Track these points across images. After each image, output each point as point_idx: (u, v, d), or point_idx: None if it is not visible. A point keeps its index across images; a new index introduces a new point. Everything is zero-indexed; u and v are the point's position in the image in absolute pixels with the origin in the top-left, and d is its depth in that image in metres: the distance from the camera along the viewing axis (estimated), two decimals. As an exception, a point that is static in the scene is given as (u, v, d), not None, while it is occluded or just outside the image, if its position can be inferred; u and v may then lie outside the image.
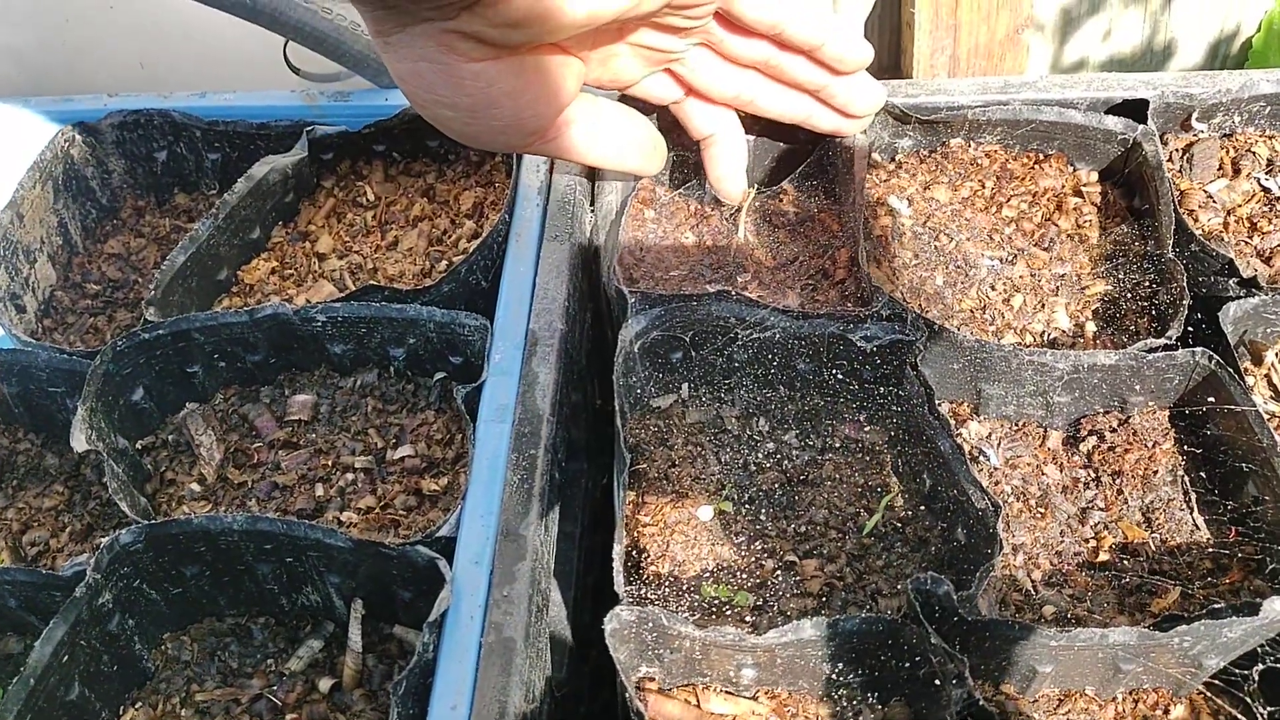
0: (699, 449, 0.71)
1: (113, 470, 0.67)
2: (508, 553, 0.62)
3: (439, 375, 0.77)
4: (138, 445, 0.76)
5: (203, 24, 0.89)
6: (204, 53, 0.93)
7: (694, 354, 0.72)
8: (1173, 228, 0.71)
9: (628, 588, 0.62)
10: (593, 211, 0.82)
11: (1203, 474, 0.67)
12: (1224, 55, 1.13)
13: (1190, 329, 0.68)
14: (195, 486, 0.74)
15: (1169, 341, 0.66)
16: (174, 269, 0.78)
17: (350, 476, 0.73)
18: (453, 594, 0.60)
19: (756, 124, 0.77)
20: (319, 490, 0.72)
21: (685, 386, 0.74)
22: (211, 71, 0.96)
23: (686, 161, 0.83)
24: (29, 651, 0.65)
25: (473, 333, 0.73)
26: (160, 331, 0.73)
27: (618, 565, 0.59)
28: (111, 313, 0.87)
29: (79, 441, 0.67)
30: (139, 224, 0.91)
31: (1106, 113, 0.80)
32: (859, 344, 0.69)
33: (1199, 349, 0.65)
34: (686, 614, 0.62)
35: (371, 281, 0.82)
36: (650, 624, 0.56)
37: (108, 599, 0.62)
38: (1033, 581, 0.63)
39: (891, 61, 1.12)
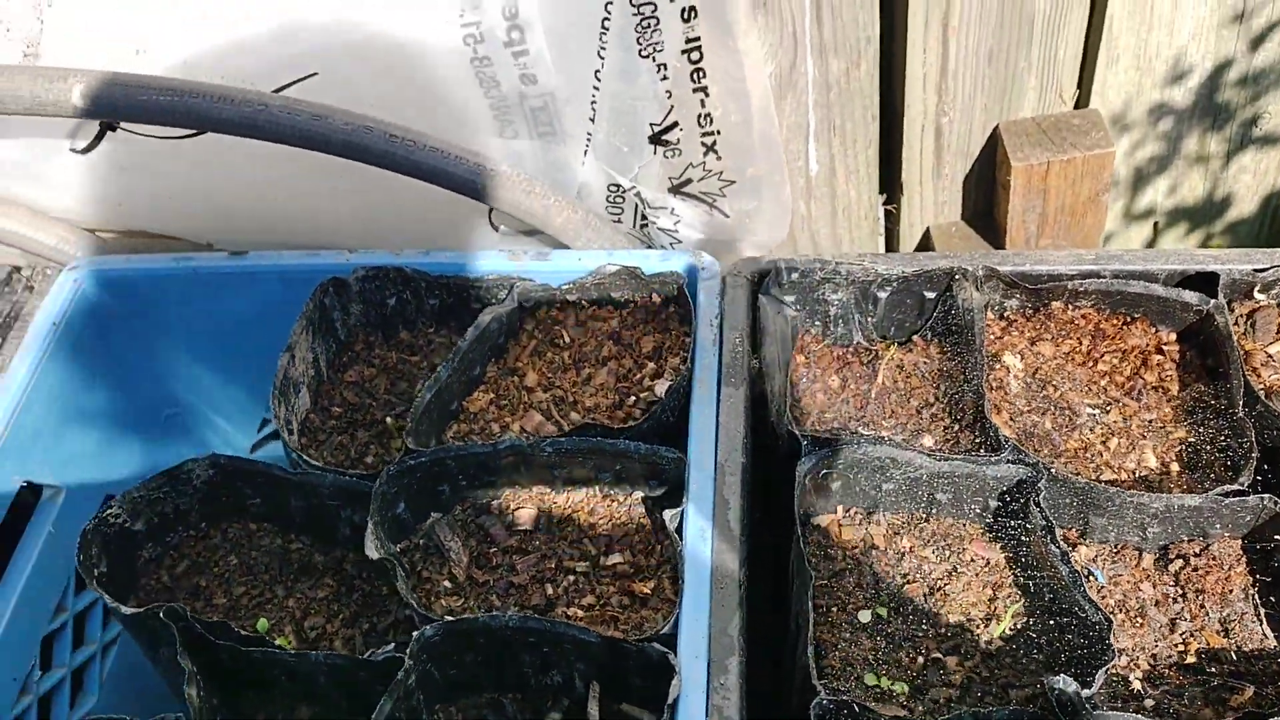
0: (854, 562, 0.89)
1: (401, 574, 0.85)
2: (720, 649, 0.79)
3: (638, 493, 0.95)
4: (398, 549, 0.94)
5: (421, 189, 1.08)
6: (420, 210, 1.12)
7: (851, 484, 0.90)
8: (1242, 390, 0.88)
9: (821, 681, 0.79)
10: (756, 359, 1.00)
11: (1272, 596, 0.83)
12: (1275, 208, 1.30)
13: (1259, 476, 0.85)
14: (447, 584, 0.92)
15: (1241, 487, 0.83)
16: (423, 405, 0.97)
17: (572, 578, 0.91)
18: (680, 683, 0.77)
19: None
20: (548, 590, 0.90)
21: (839, 509, 0.92)
22: (418, 229, 1.16)
23: (828, 314, 1.02)
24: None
25: (669, 463, 0.91)
26: (424, 459, 0.92)
27: (811, 663, 0.77)
28: (353, 432, 1.05)
29: (372, 550, 0.86)
30: (370, 356, 1.11)
31: (1182, 284, 0.97)
32: (990, 482, 0.87)
33: (1266, 495, 0.82)
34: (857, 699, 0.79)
35: (573, 413, 1.00)
36: (846, 711, 0.74)
37: (412, 680, 0.80)
38: (1135, 680, 0.80)
39: (986, 208, 1.30)
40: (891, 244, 1.33)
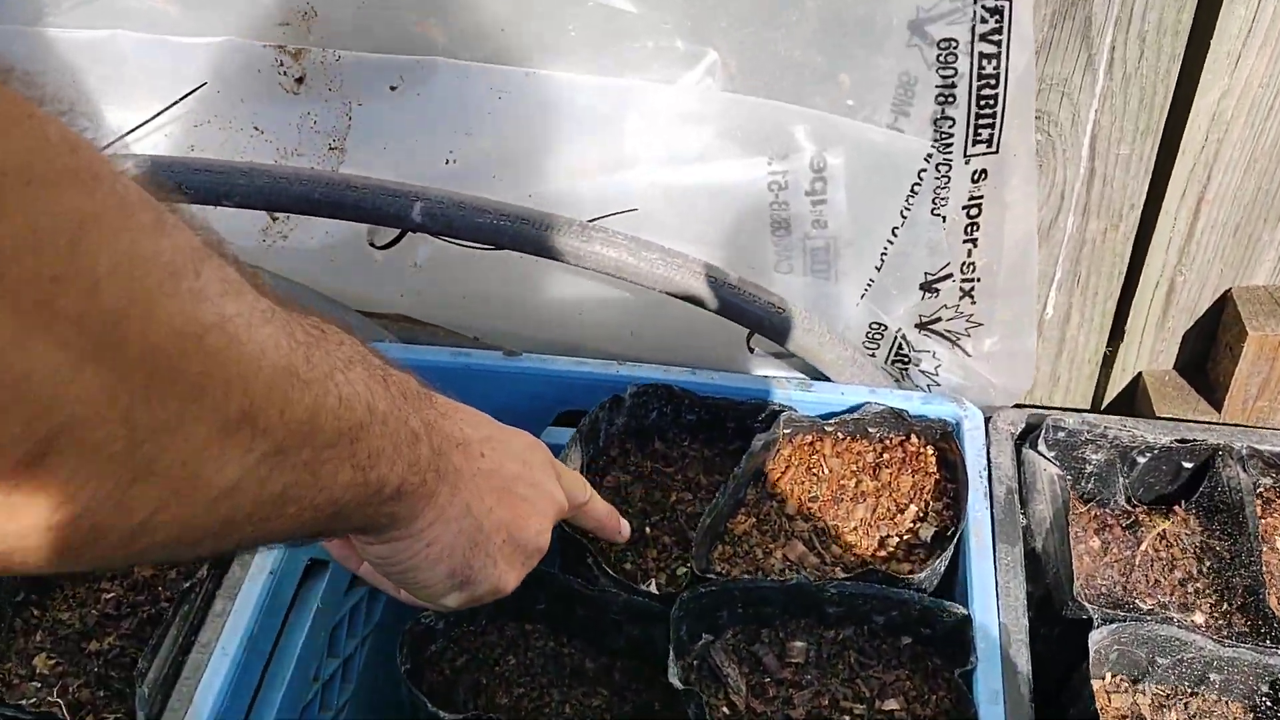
0: (1124, 730, 0.93)
1: (699, 708, 0.90)
2: (1023, 819, 0.83)
3: (906, 639, 0.99)
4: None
5: (680, 309, 1.13)
6: (682, 326, 1.17)
7: (1127, 655, 0.94)
8: None
9: None
10: (1024, 516, 1.04)
11: None
12: None
13: None
14: (725, 710, 0.96)
15: None
16: (703, 530, 1.01)
17: (848, 719, 0.95)
18: (988, 847, 0.81)
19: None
20: (828, 729, 0.94)
21: (1108, 675, 0.96)
22: (677, 344, 1.21)
23: (1084, 472, 1.06)
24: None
25: (950, 617, 0.95)
26: (714, 589, 0.96)
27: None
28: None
29: (676, 680, 0.90)
30: (626, 463, 1.15)
31: None
32: (1266, 670, 0.90)
33: None
34: None
35: (835, 546, 1.05)
36: None
37: (728, 818, 0.84)
38: None
39: (1199, 361, 1.34)
40: (1102, 385, 1.37)
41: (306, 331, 0.57)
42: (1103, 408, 1.41)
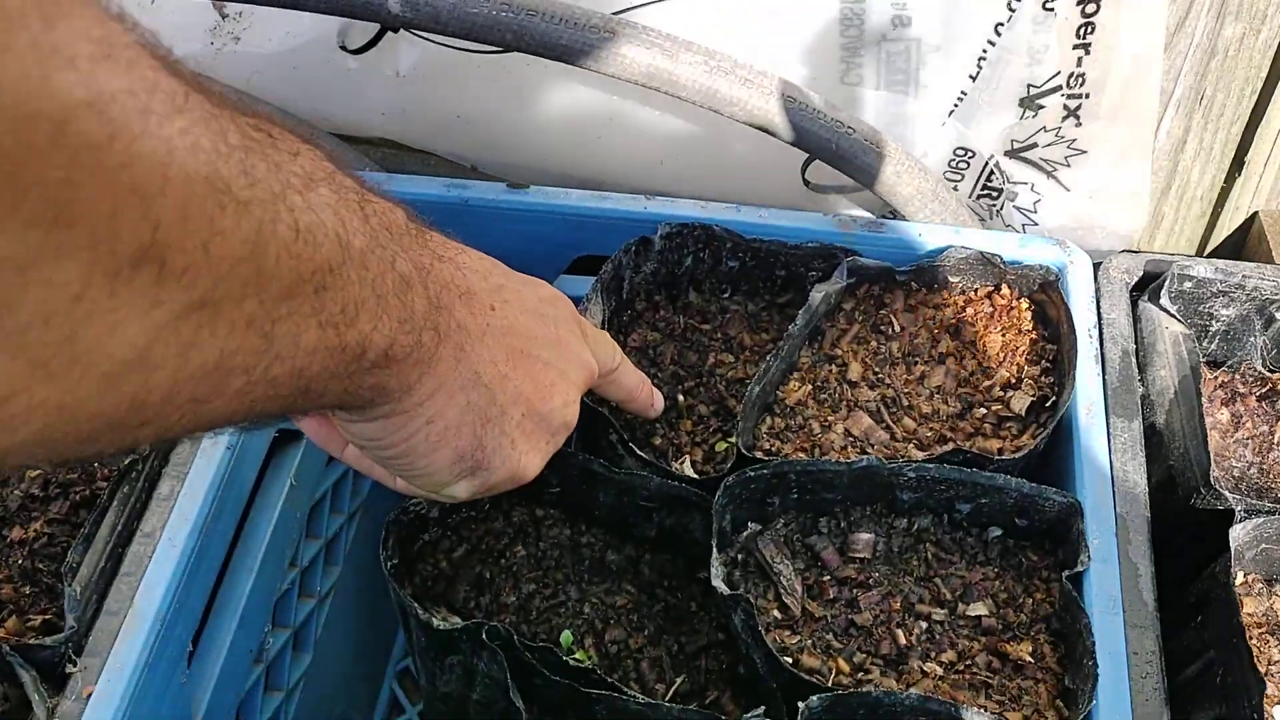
0: (1253, 635, 0.76)
1: (754, 615, 0.73)
2: (1150, 756, 0.68)
3: (995, 531, 0.82)
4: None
5: (719, 132, 0.93)
6: (717, 153, 0.97)
7: (1269, 554, 0.77)
8: None
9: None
10: (1141, 384, 0.85)
11: None
12: None
13: None
14: (776, 614, 0.80)
15: None
16: (750, 400, 0.83)
17: (924, 625, 0.79)
18: (1107, 791, 0.66)
19: None
20: (900, 637, 0.78)
21: (1240, 575, 0.79)
22: (713, 176, 1.01)
23: (1209, 330, 0.87)
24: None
25: (1053, 506, 0.78)
26: (764, 471, 0.79)
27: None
28: (639, 408, 0.92)
29: (721, 585, 0.74)
30: (654, 319, 0.97)
31: None
32: None
33: None
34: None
35: (907, 418, 0.87)
36: None
37: (785, 751, 0.68)
38: None
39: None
40: (1210, 227, 1.17)
41: (245, 133, 0.40)
42: (1206, 254, 1.21)
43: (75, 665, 0.71)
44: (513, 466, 0.64)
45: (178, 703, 0.77)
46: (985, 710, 0.73)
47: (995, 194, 0.97)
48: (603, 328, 0.92)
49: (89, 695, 0.70)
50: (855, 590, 0.81)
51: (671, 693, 0.79)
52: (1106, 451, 0.80)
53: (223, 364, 0.41)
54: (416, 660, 0.85)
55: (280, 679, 0.96)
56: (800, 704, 0.68)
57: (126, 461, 0.80)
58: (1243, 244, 1.18)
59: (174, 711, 0.76)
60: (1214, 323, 0.88)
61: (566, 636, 0.80)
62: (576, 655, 0.80)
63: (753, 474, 0.79)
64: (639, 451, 0.81)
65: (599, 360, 0.73)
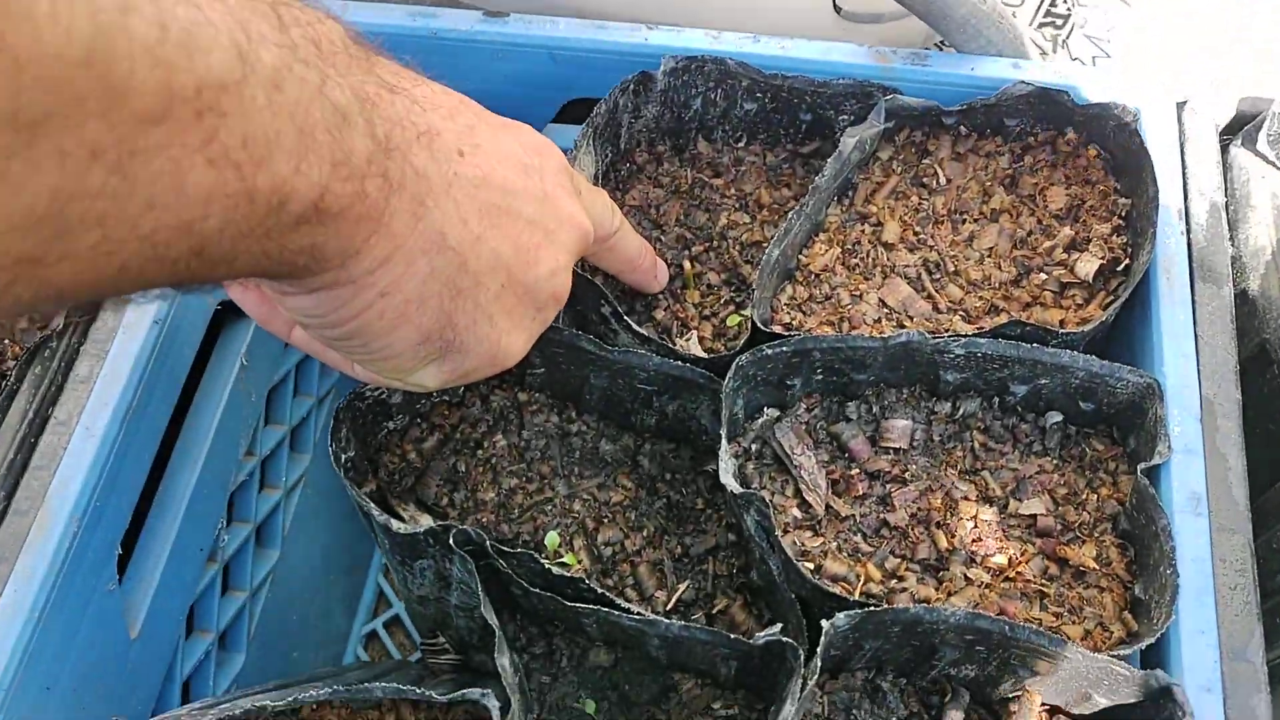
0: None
1: (769, 513, 0.62)
2: (1241, 680, 0.57)
3: (1054, 417, 0.70)
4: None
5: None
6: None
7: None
8: None
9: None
10: (1232, 245, 0.72)
11: None
12: None
13: None
14: (795, 512, 0.69)
15: None
16: (769, 265, 0.71)
17: (969, 525, 0.68)
18: (1188, 724, 0.55)
19: None
20: (940, 539, 0.67)
21: (1343, 469, 0.67)
22: (728, 8, 0.86)
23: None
24: (618, 665, 0.63)
25: (1126, 387, 0.66)
26: (784, 349, 0.67)
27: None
28: (639, 276, 0.80)
29: (731, 481, 0.62)
30: (657, 172, 0.83)
31: None
32: None
33: None
34: None
35: (953, 285, 0.74)
36: None
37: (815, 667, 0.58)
38: None
39: None
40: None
41: None
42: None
43: (-26, 573, 0.61)
44: (491, 347, 0.53)
45: (105, 614, 0.67)
46: (1040, 624, 0.62)
47: (1061, 21, 0.82)
48: (596, 184, 0.78)
49: (-10, 608, 0.60)
50: (888, 485, 0.69)
51: (674, 601, 0.69)
52: (1190, 323, 0.67)
53: (59, 211, 0.30)
54: (388, 560, 0.75)
55: (241, 579, 0.86)
56: (824, 621, 0.57)
57: (39, 339, 0.69)
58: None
59: (101, 623, 0.67)
60: (1317, 171, 0.74)
61: (553, 538, 0.70)
62: (565, 559, 0.70)
63: (770, 351, 0.67)
64: (636, 327, 0.69)
65: (594, 221, 0.61)
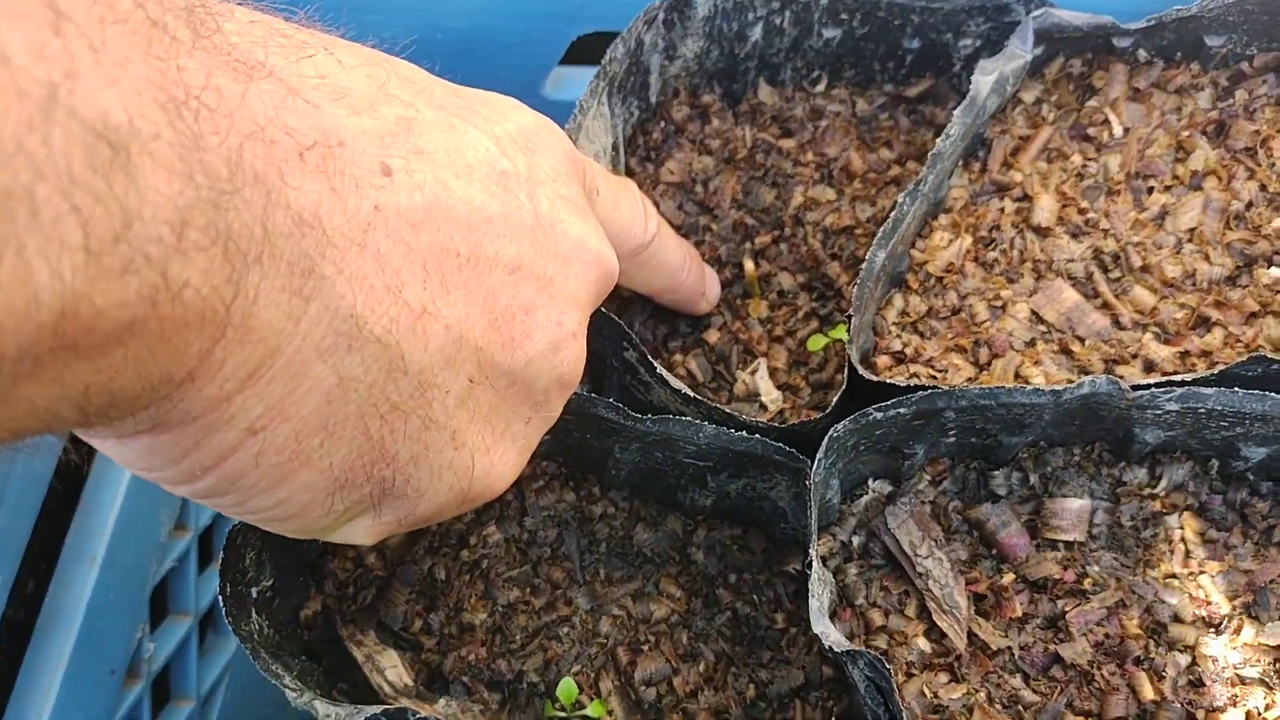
0: None
1: (874, 672, 0.40)
2: None
3: (1307, 489, 0.47)
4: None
5: None
6: None
7: None
8: None
9: None
10: None
11: None
12: None
13: None
14: (923, 645, 0.47)
15: None
16: (871, 274, 0.48)
17: (1184, 661, 0.45)
18: None
19: None
20: (1143, 685, 0.45)
21: None
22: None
23: None
24: None
25: None
26: (900, 410, 0.44)
27: None
28: (682, 282, 0.57)
29: (829, 630, 0.40)
30: (702, 133, 0.60)
31: None
32: None
33: None
34: None
35: (1139, 287, 0.50)
36: None
37: None
38: None
39: None
40: None
41: None
42: None
43: None
44: (458, 480, 0.34)
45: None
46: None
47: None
48: (613, 155, 0.55)
49: None
50: (1060, 600, 0.47)
51: (747, 770, 0.47)
52: None
53: None
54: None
55: (185, 686, 0.67)
56: None
57: None
58: None
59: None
60: None
61: (567, 687, 0.48)
62: (587, 712, 0.49)
63: (879, 416, 0.44)
64: (676, 383, 0.46)
65: (620, 235, 0.40)
